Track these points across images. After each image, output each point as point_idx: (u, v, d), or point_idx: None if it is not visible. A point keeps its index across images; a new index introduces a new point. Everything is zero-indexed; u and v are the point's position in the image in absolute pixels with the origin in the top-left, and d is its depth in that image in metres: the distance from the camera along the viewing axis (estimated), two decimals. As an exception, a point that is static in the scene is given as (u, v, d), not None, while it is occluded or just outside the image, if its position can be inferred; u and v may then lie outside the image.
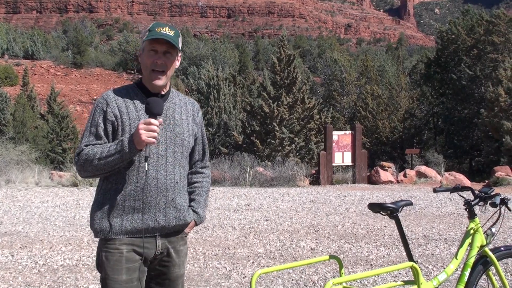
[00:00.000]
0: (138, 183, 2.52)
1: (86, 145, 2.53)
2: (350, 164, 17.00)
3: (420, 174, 17.78)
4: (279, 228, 8.52)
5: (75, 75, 63.56)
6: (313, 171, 17.62)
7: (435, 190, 3.82)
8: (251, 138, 23.75)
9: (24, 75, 45.03)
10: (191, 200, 2.75)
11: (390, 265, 6.01)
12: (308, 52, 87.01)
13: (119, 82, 62.28)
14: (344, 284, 3.25)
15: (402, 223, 3.36)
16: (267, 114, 23.59)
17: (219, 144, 26.54)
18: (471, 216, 3.56)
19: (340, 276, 3.38)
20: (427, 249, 6.93)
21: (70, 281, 5.55)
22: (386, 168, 17.59)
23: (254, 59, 78.20)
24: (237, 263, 6.24)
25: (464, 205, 3.61)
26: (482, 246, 3.55)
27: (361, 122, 32.35)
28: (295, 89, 24.35)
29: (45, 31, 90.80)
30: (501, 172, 17.30)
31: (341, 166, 17.70)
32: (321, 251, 6.85)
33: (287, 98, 23.86)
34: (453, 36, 34.85)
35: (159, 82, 2.57)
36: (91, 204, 11.39)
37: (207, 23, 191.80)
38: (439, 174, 18.35)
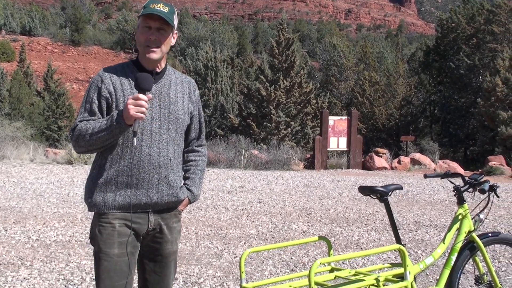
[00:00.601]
0: (131, 159, 2.54)
1: (80, 121, 2.55)
2: (345, 149, 17.06)
3: (414, 161, 17.87)
4: (271, 210, 8.58)
5: (73, 53, 63.20)
6: (308, 156, 17.68)
7: (425, 176, 3.86)
8: (247, 121, 23.76)
9: (21, 51, 44.76)
10: (186, 178, 2.77)
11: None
12: (308, 37, 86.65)
13: (116, 60, 61.96)
14: (333, 265, 3.30)
15: (392, 207, 3.40)
16: (264, 97, 23.57)
17: (215, 126, 26.55)
18: (460, 202, 3.60)
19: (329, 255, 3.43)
20: (417, 234, 7.01)
21: (63, 256, 5.59)
22: (381, 154, 17.66)
23: (253, 42, 77.85)
24: (228, 243, 6.29)
25: (453, 191, 3.65)
26: (469, 232, 3.60)
27: (358, 108, 32.36)
28: (293, 73, 24.32)
29: (43, 8, 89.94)
30: (495, 161, 17.40)
31: (336, 151, 17.77)
32: (313, 233, 6.91)
33: (285, 82, 23.83)
34: (453, 25, 34.75)
35: (153, 55, 2.57)
36: (85, 181, 11.44)
37: (206, 4, 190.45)
38: (433, 162, 18.44)
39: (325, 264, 3.28)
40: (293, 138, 23.87)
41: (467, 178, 3.71)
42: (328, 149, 16.72)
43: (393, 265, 3.36)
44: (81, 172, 13.36)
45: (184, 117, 2.69)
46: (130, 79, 2.60)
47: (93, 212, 2.65)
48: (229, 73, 30.10)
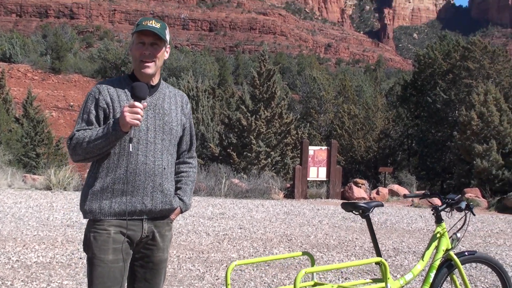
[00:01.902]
0: (127, 167, 2.64)
1: (78, 130, 2.65)
2: (325, 179, 17.22)
3: (392, 193, 18.09)
4: (252, 236, 8.63)
5: (53, 80, 62.95)
6: (288, 185, 17.79)
7: (405, 196, 4.01)
8: (228, 150, 23.84)
9: (0, 77, 44.49)
10: (177, 188, 2.88)
11: (360, 273, 6.17)
12: (288, 69, 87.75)
13: (97, 89, 61.87)
14: (316, 279, 3.39)
15: (373, 224, 3.52)
16: (245, 127, 23.74)
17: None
18: (438, 220, 3.74)
19: (312, 273, 3.53)
20: (396, 260, 7.12)
21: (44, 277, 5.57)
22: (360, 184, 17.85)
23: (234, 73, 78.51)
24: (210, 266, 6.33)
25: (431, 210, 3.79)
26: (447, 250, 3.74)
27: (337, 140, 32.66)
28: (274, 104, 24.60)
29: (24, 35, 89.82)
30: (471, 193, 17.69)
31: (316, 181, 17.91)
32: (293, 258, 6.98)
33: (265, 112, 24.07)
34: (430, 60, 35.61)
35: (148, 70, 2.71)
36: (64, 206, 11.32)
37: (188, 35, 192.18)
38: (411, 193, 18.68)
39: (310, 274, 3.37)
40: (273, 168, 23.98)
41: (444, 198, 3.86)
42: (308, 178, 16.86)
43: (374, 280, 3.46)
44: (61, 197, 13.26)
45: (178, 129, 2.82)
46: (126, 90, 2.72)
47: (87, 220, 2.74)
48: (210, 103, 30.30)
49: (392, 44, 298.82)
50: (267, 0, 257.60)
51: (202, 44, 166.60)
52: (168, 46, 2.83)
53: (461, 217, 3.80)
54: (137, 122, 2.53)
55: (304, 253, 3.44)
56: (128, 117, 2.51)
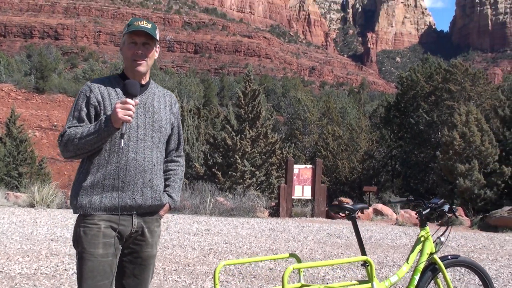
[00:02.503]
0: (118, 163, 2.69)
1: (69, 127, 2.70)
2: (310, 197, 17.27)
3: (377, 212, 18.19)
4: (238, 250, 8.64)
5: (37, 100, 62.63)
6: (273, 204, 17.81)
7: (390, 202, 4.09)
8: (213, 170, 23.84)
9: (-17, 96, 44.17)
10: (166, 186, 2.94)
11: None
12: (273, 91, 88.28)
13: (81, 109, 61.62)
14: (302, 281, 3.43)
15: (359, 226, 3.58)
16: (230, 147, 23.80)
17: (180, 175, 26.48)
18: (422, 224, 3.82)
19: (299, 275, 3.58)
20: (381, 272, 7.17)
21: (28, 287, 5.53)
22: (345, 204, 17.91)
23: (219, 95, 78.83)
24: (196, 278, 6.33)
25: (415, 214, 3.87)
26: (431, 254, 3.81)
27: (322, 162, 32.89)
28: (259, 124, 24.73)
29: (8, 55, 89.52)
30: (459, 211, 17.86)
31: (301, 199, 17.95)
32: (280, 270, 7.00)
33: (250, 132, 24.17)
34: (412, 83, 36.14)
35: (141, 68, 2.79)
36: (48, 222, 11.22)
37: (173, 57, 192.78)
38: (395, 212, 18.82)
39: (297, 276, 3.41)
40: (258, 187, 24.00)
41: (428, 203, 3.95)
42: (293, 197, 16.90)
43: (360, 282, 3.51)
44: (44, 214, 13.13)
45: (167, 127, 2.88)
46: (116, 89, 2.79)
47: (77, 215, 2.77)
48: (195, 123, 30.36)
49: (375, 67, 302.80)
50: (252, 23, 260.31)
51: (187, 66, 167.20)
52: (158, 46, 2.91)
53: (444, 220, 3.89)
54: (129, 118, 2.59)
55: (291, 255, 3.49)
56: (120, 113, 2.57)
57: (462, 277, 6.50)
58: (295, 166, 17.19)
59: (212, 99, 66.56)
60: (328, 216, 17.04)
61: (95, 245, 2.64)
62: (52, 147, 52.58)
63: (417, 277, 3.72)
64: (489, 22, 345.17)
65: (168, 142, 2.97)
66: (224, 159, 24.30)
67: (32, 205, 15.08)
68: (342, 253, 8.76)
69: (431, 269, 3.80)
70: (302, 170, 17.13)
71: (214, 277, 3.12)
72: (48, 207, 14.92)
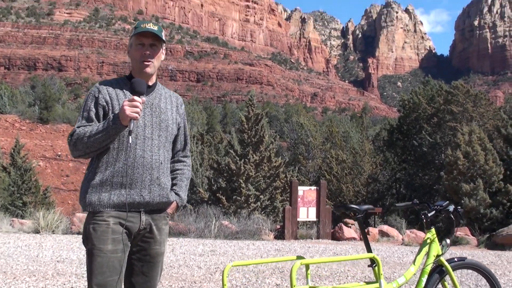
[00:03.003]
0: (126, 161, 2.75)
1: (78, 127, 2.77)
2: (315, 219, 17.23)
3: (382, 233, 18.11)
4: (244, 269, 8.60)
5: (41, 130, 63.01)
6: (278, 226, 17.76)
7: (395, 206, 4.11)
8: (217, 195, 23.82)
9: (-12, 127, 44.46)
10: (173, 185, 2.99)
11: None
12: (275, 117, 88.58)
13: (85, 139, 61.88)
14: (310, 283, 3.45)
15: (363, 225, 3.61)
16: (234, 171, 23.82)
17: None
18: (428, 227, 3.84)
19: (307, 277, 3.61)
20: (389, 287, 7.13)
21: (36, 304, 5.53)
22: (350, 225, 17.88)
23: (222, 122, 79.14)
24: (203, 294, 6.31)
25: (421, 216, 3.89)
26: (438, 256, 3.82)
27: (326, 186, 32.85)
28: (262, 148, 24.79)
29: (13, 87, 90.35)
30: (460, 232, 17.76)
31: (306, 221, 17.90)
32: (286, 286, 6.97)
33: (254, 156, 24.22)
34: (414, 105, 36.28)
35: (148, 69, 2.87)
36: (54, 246, 11.23)
37: (176, 86, 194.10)
38: (400, 233, 18.75)
39: (305, 273, 3.43)
40: (262, 211, 23.94)
41: (433, 205, 3.97)
42: (297, 219, 16.85)
43: (368, 283, 3.53)
44: (49, 239, 13.13)
45: (173, 127, 2.95)
46: (124, 90, 2.87)
47: (86, 213, 2.82)
48: (199, 149, 30.43)
49: (377, 92, 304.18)
50: (253, 51, 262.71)
51: (189, 95, 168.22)
52: (165, 48, 3.00)
53: (450, 222, 3.91)
54: (136, 115, 2.67)
55: (298, 257, 3.51)
56: (128, 110, 2.64)
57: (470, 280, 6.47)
58: (299, 188, 17.20)
59: (215, 126, 66.82)
60: (334, 237, 16.98)
61: (104, 241, 2.68)
62: (56, 176, 52.68)
63: (424, 279, 3.73)
64: (489, 46, 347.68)
65: (174, 143, 3.04)
66: (228, 183, 24.30)
67: (37, 231, 15.08)
68: (348, 270, 8.72)
69: (438, 271, 3.81)
70: (306, 192, 17.13)
71: (222, 278, 3.15)
72: (53, 233, 14.91)
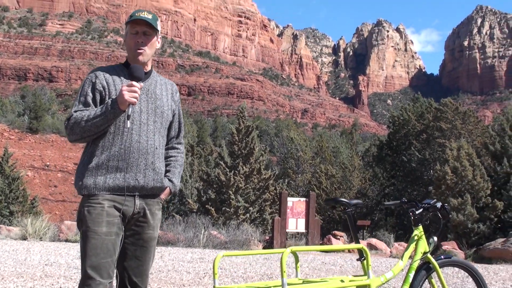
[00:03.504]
0: (122, 145, 2.80)
1: (75, 111, 2.82)
2: (304, 231, 17.25)
3: (371, 246, 18.15)
4: (233, 275, 8.62)
5: (30, 140, 62.66)
6: (267, 237, 17.77)
7: (383, 204, 4.18)
8: (206, 206, 23.79)
9: (-24, 136, 44.17)
10: (167, 171, 3.04)
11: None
12: (265, 132, 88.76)
13: (74, 149, 61.61)
14: (299, 276, 3.50)
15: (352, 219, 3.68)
16: (223, 183, 23.83)
17: (174, 212, 26.40)
18: (415, 224, 3.91)
19: (296, 270, 3.66)
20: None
21: (24, 302, 5.52)
22: (338, 237, 17.91)
23: (212, 135, 79.16)
24: (192, 295, 6.32)
25: (409, 213, 3.96)
26: (425, 253, 3.89)
27: (315, 200, 32.89)
28: (252, 160, 24.84)
29: (3, 97, 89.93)
30: (447, 246, 17.86)
31: (295, 232, 17.92)
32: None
33: (244, 167, 24.26)
34: (404, 121, 36.59)
35: (141, 57, 2.94)
36: (41, 251, 11.16)
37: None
38: (388, 246, 18.82)
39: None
40: (251, 223, 23.91)
41: (421, 203, 4.05)
42: (286, 230, 16.87)
43: (356, 276, 3.58)
44: (37, 245, 13.05)
45: (168, 113, 3.02)
46: (121, 77, 2.93)
47: (81, 196, 2.85)
48: (189, 160, 30.42)
49: (367, 110, 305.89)
50: (245, 66, 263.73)
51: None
52: (160, 36, 3.07)
53: (437, 220, 3.98)
54: (135, 100, 2.73)
55: (291, 251, 3.56)
56: (127, 95, 2.70)
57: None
58: (288, 199, 17.25)
59: (206, 139, 66.83)
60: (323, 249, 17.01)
61: (98, 223, 2.72)
62: (44, 187, 52.31)
63: (411, 275, 3.79)
64: (478, 66, 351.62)
65: (169, 129, 3.09)
66: (218, 195, 24.28)
67: (24, 238, 14.98)
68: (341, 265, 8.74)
69: (425, 268, 3.87)
70: (296, 203, 17.17)
71: (213, 268, 3.19)
72: (41, 240, 14.82)
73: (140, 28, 2.95)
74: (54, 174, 56.01)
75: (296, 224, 17.00)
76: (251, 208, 24.10)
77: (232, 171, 24.12)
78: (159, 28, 3.02)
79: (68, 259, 9.57)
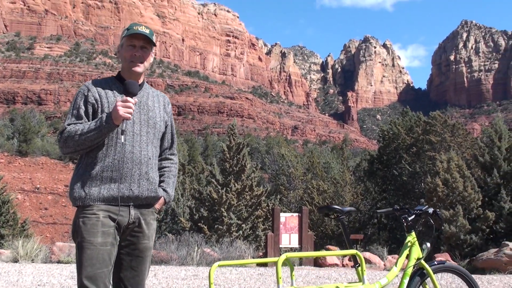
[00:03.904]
0: (115, 156, 2.83)
1: (69, 125, 2.84)
2: (297, 246, 17.21)
3: (364, 260, 18.14)
4: (228, 290, 8.59)
5: (19, 163, 62.26)
6: (261, 254, 17.72)
7: (376, 212, 4.22)
8: (199, 224, 23.71)
9: (-35, 160, 43.84)
10: (161, 181, 3.06)
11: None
12: (256, 150, 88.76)
13: (64, 171, 61.29)
14: (295, 284, 3.51)
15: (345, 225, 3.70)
16: (216, 200, 23.78)
17: (166, 231, 26.27)
18: (408, 230, 3.95)
19: (291, 279, 3.68)
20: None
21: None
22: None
23: (203, 154, 79.06)
24: (187, 311, 6.29)
25: (402, 220, 4.00)
26: (419, 259, 3.92)
27: (307, 216, 32.87)
28: (244, 176, 24.84)
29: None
30: (440, 258, 17.89)
31: (288, 248, 17.88)
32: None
33: (236, 184, 24.24)
34: (393, 135, 36.81)
35: (138, 69, 2.98)
36: (33, 272, 11.07)
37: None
38: (382, 260, 18.81)
39: (289, 280, 3.50)
40: (244, 240, 23.83)
41: (413, 210, 4.09)
42: (280, 245, 16.83)
43: (350, 283, 3.60)
44: (29, 267, 12.91)
45: (161, 124, 3.06)
46: (112, 89, 2.97)
47: (75, 208, 2.86)
48: (180, 179, 30.34)
49: (357, 125, 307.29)
50: (234, 85, 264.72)
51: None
52: (154, 51, 3.12)
53: (430, 225, 4.02)
54: (129, 116, 2.76)
55: (285, 260, 3.57)
56: (121, 110, 2.74)
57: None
58: (281, 214, 17.23)
59: (196, 158, 66.71)
60: (316, 264, 16.96)
61: (94, 234, 2.73)
62: (34, 209, 51.87)
63: (406, 281, 3.82)
64: (465, 80, 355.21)
65: (162, 140, 3.13)
66: (210, 213, 24.22)
67: (15, 260, 14.82)
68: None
69: (419, 274, 3.91)
70: (288, 218, 17.16)
71: (209, 277, 3.20)
72: (33, 261, 14.67)
73: (138, 42, 3.00)
74: (45, 196, 55.59)
75: (289, 239, 16.97)
76: (243, 225, 24.04)
77: (224, 189, 24.11)
78: (155, 43, 3.07)
79: (61, 279, 9.49)
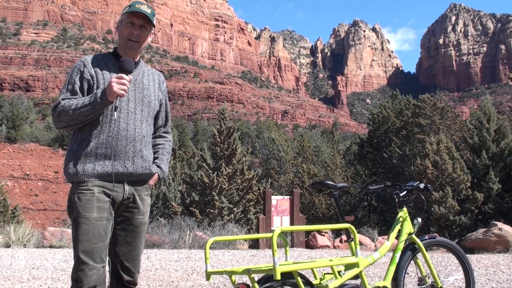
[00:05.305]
0: (110, 133, 2.85)
1: (63, 99, 2.85)
2: (289, 228, 17.32)
3: (355, 241, 18.34)
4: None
5: (8, 150, 61.88)
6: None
7: (368, 188, 4.28)
8: (190, 208, 23.78)
9: (-46, 147, 43.52)
10: (155, 158, 3.10)
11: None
12: (246, 135, 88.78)
13: (54, 157, 61.01)
14: (289, 259, 3.57)
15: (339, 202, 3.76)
16: (207, 184, 23.84)
17: (158, 215, 26.31)
18: (400, 206, 4.02)
19: (286, 254, 3.74)
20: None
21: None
22: (323, 233, 18.05)
23: (193, 139, 78.99)
24: (182, 291, 6.36)
25: (393, 196, 4.07)
26: (410, 234, 3.99)
27: (299, 200, 33.04)
28: (235, 160, 24.89)
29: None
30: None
31: (280, 231, 18.01)
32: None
33: (227, 168, 24.30)
34: (383, 119, 36.98)
35: (133, 49, 2.98)
36: (26, 256, 11.09)
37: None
38: (372, 241, 19.00)
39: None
40: (236, 223, 23.95)
41: (404, 185, 4.15)
42: (272, 228, 16.94)
43: (343, 257, 3.67)
44: (21, 251, 12.93)
45: (155, 102, 3.08)
46: (108, 66, 2.98)
47: (71, 184, 2.89)
48: (171, 163, 30.35)
49: (347, 109, 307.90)
50: (223, 70, 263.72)
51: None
52: (153, 32, 3.12)
53: (421, 200, 4.10)
54: (123, 92, 2.78)
55: (279, 235, 3.63)
56: (116, 87, 2.75)
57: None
58: (273, 197, 17.33)
59: (187, 143, 66.64)
60: (308, 246, 17.12)
61: (89, 209, 2.76)
62: (25, 196, 51.69)
63: (398, 255, 3.89)
64: (454, 63, 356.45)
65: (156, 119, 3.15)
66: (202, 197, 24.28)
67: (8, 246, 14.82)
68: (323, 269, 8.84)
69: (411, 248, 3.98)
70: (280, 201, 17.27)
71: (205, 252, 3.25)
72: (25, 246, 14.68)
73: (138, 21, 2.99)
74: (35, 183, 55.38)
75: (281, 222, 17.10)
76: (235, 209, 24.15)
77: (215, 173, 24.16)
78: (155, 24, 3.07)
79: (54, 263, 9.53)
